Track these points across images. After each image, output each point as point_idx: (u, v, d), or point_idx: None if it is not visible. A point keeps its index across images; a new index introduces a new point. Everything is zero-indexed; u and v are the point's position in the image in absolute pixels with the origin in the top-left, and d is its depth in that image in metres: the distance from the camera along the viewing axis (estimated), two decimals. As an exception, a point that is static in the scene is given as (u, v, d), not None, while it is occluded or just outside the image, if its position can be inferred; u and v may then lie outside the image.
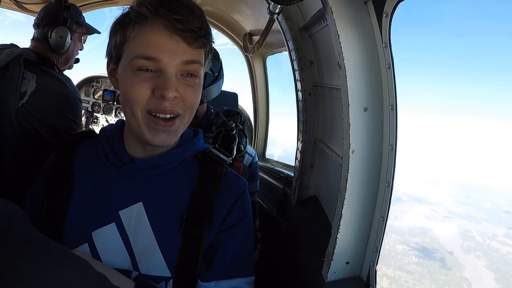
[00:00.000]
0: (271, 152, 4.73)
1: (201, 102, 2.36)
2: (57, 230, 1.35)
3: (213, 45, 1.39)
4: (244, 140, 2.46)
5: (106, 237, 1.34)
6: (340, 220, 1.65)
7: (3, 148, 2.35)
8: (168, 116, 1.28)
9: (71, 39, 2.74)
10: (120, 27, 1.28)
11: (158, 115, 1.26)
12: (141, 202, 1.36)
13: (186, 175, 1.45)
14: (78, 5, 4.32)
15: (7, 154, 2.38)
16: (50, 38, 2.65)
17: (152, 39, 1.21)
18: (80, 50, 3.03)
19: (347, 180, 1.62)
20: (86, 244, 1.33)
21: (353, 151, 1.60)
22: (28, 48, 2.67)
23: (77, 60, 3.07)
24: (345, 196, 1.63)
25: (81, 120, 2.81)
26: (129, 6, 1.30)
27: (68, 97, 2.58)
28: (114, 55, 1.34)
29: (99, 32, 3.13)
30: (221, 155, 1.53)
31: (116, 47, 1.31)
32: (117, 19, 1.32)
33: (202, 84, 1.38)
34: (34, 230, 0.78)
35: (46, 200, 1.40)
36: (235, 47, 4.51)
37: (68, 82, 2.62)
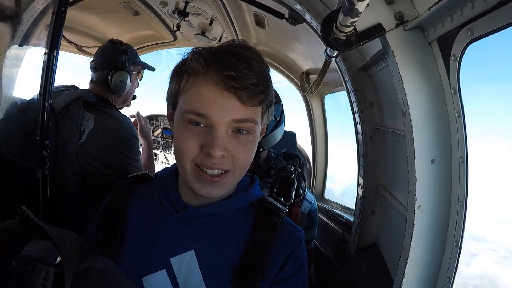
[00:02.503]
0: (332, 188, 4.63)
1: (263, 149, 2.30)
2: None
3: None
4: (303, 184, 2.37)
5: (156, 284, 1.30)
6: (402, 279, 1.51)
7: (65, 187, 2.42)
8: (215, 172, 1.23)
9: (130, 81, 2.84)
10: (176, 76, 1.28)
11: (205, 170, 1.22)
12: (193, 250, 1.31)
13: (240, 224, 1.39)
14: (136, 47, 4.58)
15: (69, 193, 2.45)
16: (111, 82, 2.76)
17: (203, 94, 1.18)
18: (137, 87, 3.13)
19: (411, 237, 1.48)
20: None
21: (419, 207, 1.47)
22: (88, 90, 2.78)
23: (134, 97, 3.17)
24: (409, 254, 1.49)
25: (139, 156, 2.84)
26: (187, 53, 1.29)
27: (123, 134, 2.66)
28: (171, 102, 1.33)
29: (153, 69, 3.23)
30: (277, 204, 1.45)
31: (172, 95, 1.31)
32: (175, 66, 1.31)
33: (258, 140, 1.32)
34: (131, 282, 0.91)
35: (100, 244, 1.38)
36: (291, 84, 4.53)
37: (125, 120, 2.70)
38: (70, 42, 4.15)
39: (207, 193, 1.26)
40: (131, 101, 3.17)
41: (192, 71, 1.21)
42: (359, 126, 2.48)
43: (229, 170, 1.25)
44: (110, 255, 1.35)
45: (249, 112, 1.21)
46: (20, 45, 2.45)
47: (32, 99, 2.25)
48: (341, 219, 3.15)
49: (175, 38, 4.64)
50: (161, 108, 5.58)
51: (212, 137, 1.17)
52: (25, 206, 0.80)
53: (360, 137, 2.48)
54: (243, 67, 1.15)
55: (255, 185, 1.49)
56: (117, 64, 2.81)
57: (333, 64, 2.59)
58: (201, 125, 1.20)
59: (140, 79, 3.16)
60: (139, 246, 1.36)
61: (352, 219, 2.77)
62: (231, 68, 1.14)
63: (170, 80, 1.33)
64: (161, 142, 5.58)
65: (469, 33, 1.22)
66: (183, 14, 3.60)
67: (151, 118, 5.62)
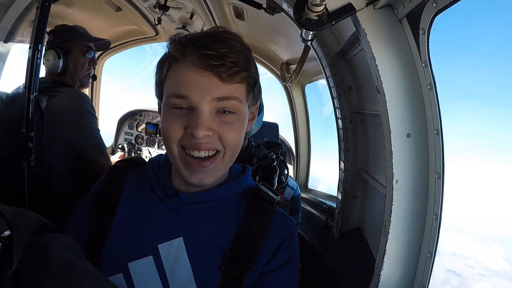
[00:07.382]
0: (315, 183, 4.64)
1: (244, 139, 2.31)
2: (96, 256, 1.32)
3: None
4: (285, 171, 2.39)
5: (142, 270, 1.29)
6: (384, 256, 1.52)
7: (51, 178, 2.46)
8: (203, 155, 1.23)
9: (62, 58, 2.80)
10: (159, 66, 1.31)
11: (191, 153, 1.22)
12: (181, 237, 1.31)
13: (232, 211, 1.39)
14: (116, 44, 4.74)
15: (54, 183, 2.49)
16: (43, 64, 2.76)
17: (182, 76, 1.20)
18: (93, 66, 3.06)
19: (391, 212, 1.50)
20: (121, 274, 1.28)
21: (396, 182, 1.49)
22: (42, 77, 2.79)
23: (94, 77, 3.13)
24: (389, 230, 1.51)
25: (96, 133, 2.79)
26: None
27: (72, 108, 2.66)
28: (157, 93, 1.35)
29: (107, 42, 3.24)
30: (270, 193, 1.45)
31: (158, 85, 1.34)
32: (159, 59, 1.34)
33: (246, 121, 1.33)
34: (89, 263, 0.93)
35: (91, 226, 1.37)
36: (273, 76, 4.56)
37: (72, 95, 2.71)
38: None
39: (196, 181, 1.26)
40: (89, 81, 3.11)
41: (172, 57, 1.23)
42: (338, 111, 2.51)
43: (219, 151, 1.26)
44: (100, 238, 1.35)
45: (230, 89, 1.21)
46: (5, 41, 2.49)
47: (18, 92, 2.32)
48: (325, 206, 3.17)
49: (157, 32, 4.67)
50: (146, 102, 5.67)
51: (194, 117, 1.18)
52: (11, 197, 0.82)
53: (340, 121, 2.51)
54: (220, 47, 1.16)
55: (247, 173, 1.49)
56: (46, 48, 2.81)
57: (311, 52, 2.61)
58: (184, 107, 1.20)
59: (91, 55, 2.99)
60: (127, 230, 1.35)
61: (335, 205, 2.78)
62: (207, 48, 1.15)
63: (155, 73, 1.35)
64: (145, 137, 5.58)
65: (434, 5, 1.25)
66: (163, 8, 3.61)
67: (135, 113, 5.63)
